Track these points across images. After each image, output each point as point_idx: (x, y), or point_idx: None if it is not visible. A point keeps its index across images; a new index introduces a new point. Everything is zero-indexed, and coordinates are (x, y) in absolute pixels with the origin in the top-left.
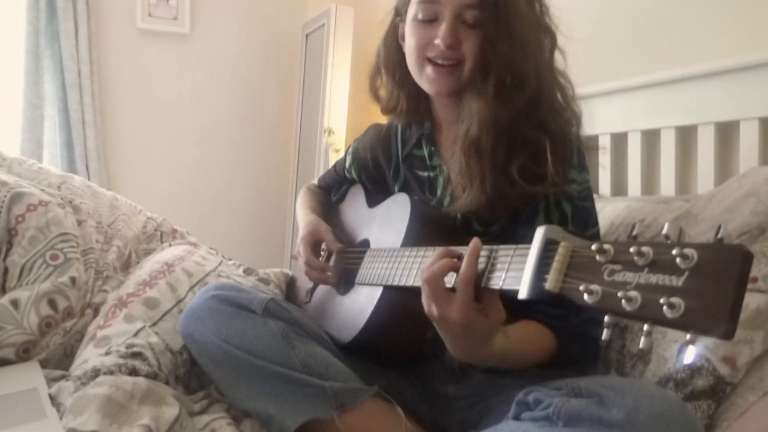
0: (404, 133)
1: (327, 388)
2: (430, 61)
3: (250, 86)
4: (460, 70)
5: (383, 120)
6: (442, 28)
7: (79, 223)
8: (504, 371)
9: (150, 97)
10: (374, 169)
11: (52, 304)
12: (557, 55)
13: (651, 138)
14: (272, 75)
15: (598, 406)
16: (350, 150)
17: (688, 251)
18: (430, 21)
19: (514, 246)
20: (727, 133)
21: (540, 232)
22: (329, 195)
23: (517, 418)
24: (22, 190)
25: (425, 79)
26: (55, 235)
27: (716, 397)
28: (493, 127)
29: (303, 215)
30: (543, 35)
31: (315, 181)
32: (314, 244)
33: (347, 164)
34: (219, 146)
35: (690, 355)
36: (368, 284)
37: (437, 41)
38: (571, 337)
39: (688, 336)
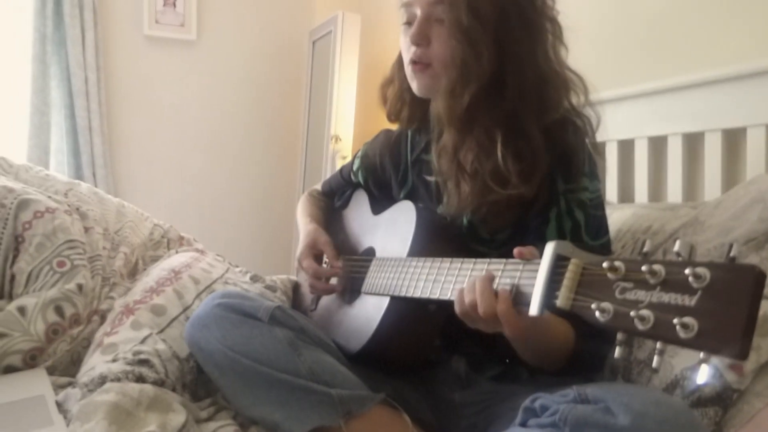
0: (414, 139)
1: (333, 396)
2: (412, 63)
3: (256, 93)
4: (432, 69)
5: (392, 126)
6: (413, 27)
7: (86, 230)
8: (510, 378)
9: (157, 103)
10: (381, 174)
11: (58, 311)
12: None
13: (658, 145)
14: (279, 82)
15: (604, 412)
16: (359, 153)
17: (700, 270)
18: (410, 24)
19: (522, 261)
20: (734, 139)
21: (550, 248)
22: (332, 200)
23: (523, 424)
24: (29, 197)
25: (411, 80)
26: (62, 242)
27: (723, 403)
28: (450, 125)
29: (303, 224)
30: (522, 29)
31: (318, 186)
32: (315, 257)
33: (354, 168)
34: (226, 153)
35: (703, 375)
36: (375, 294)
37: (409, 40)
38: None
39: (702, 355)
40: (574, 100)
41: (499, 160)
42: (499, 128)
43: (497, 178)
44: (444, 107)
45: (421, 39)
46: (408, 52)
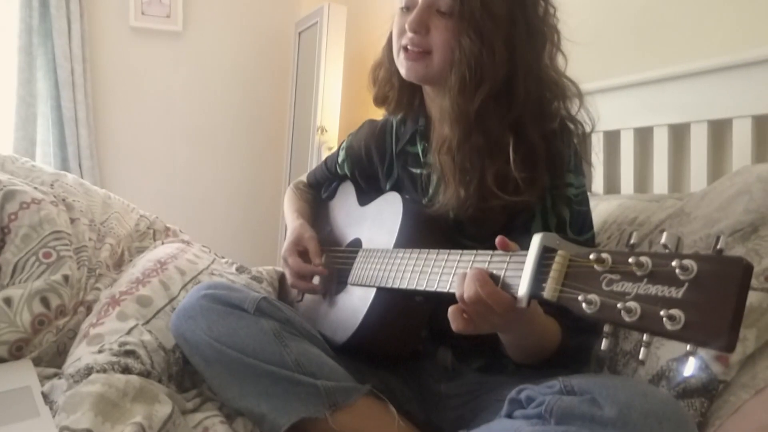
0: (399, 129)
1: (319, 387)
2: (404, 49)
3: (243, 84)
4: (429, 58)
5: (377, 117)
6: (413, 14)
7: (72, 221)
8: (497, 369)
9: (143, 95)
10: (368, 165)
11: (44, 302)
12: (560, 59)
13: (644, 136)
14: (265, 73)
15: (590, 404)
16: (344, 145)
17: (687, 262)
18: (408, 9)
19: (509, 253)
20: (719, 131)
21: (537, 240)
22: (318, 192)
23: (509, 416)
24: (15, 188)
25: (400, 65)
26: (48, 233)
27: (709, 395)
28: (457, 124)
29: (290, 220)
30: (528, 35)
31: (303, 178)
32: (300, 253)
33: (340, 159)
34: (212, 144)
35: (690, 367)
36: (361, 285)
37: (407, 26)
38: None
39: (688, 347)
40: (569, 106)
41: (510, 164)
42: (509, 133)
43: (501, 182)
44: (452, 105)
45: (420, 27)
46: (401, 37)
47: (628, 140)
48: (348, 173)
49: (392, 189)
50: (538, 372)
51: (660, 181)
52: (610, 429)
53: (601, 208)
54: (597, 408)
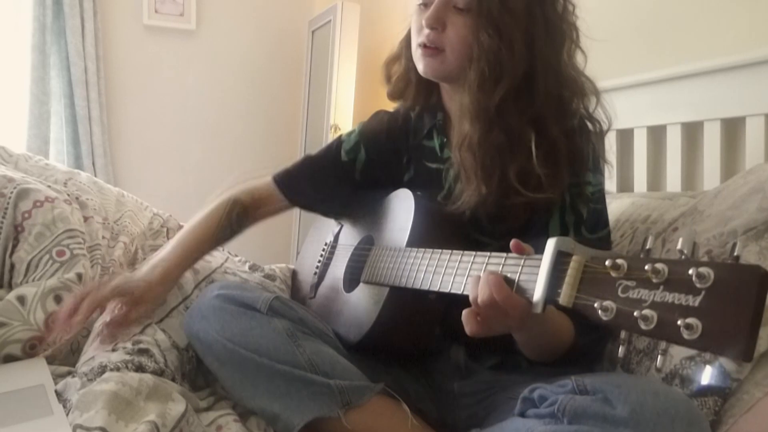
0: (417, 123)
1: (333, 386)
2: (421, 46)
3: (256, 83)
4: (444, 54)
5: (389, 106)
6: (430, 10)
7: (86, 219)
8: (510, 368)
9: (156, 93)
10: (384, 155)
11: (58, 300)
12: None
13: (657, 134)
14: (278, 71)
15: (603, 403)
16: (354, 134)
17: (704, 270)
18: (426, 5)
19: (523, 256)
20: (733, 129)
21: (551, 244)
22: (292, 192)
23: (522, 414)
24: (29, 186)
25: (417, 61)
26: (62, 232)
27: (722, 393)
28: (477, 120)
29: (168, 250)
30: (547, 31)
31: (258, 181)
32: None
33: (347, 146)
34: (225, 143)
35: (707, 376)
36: (374, 283)
37: (424, 22)
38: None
39: (705, 355)
40: (587, 104)
41: (532, 161)
42: (530, 129)
43: (523, 179)
44: (472, 101)
45: (437, 23)
46: (419, 34)
47: (642, 138)
48: (362, 162)
49: (408, 183)
50: (552, 370)
51: (673, 179)
52: (622, 428)
53: (614, 207)
54: (609, 407)
